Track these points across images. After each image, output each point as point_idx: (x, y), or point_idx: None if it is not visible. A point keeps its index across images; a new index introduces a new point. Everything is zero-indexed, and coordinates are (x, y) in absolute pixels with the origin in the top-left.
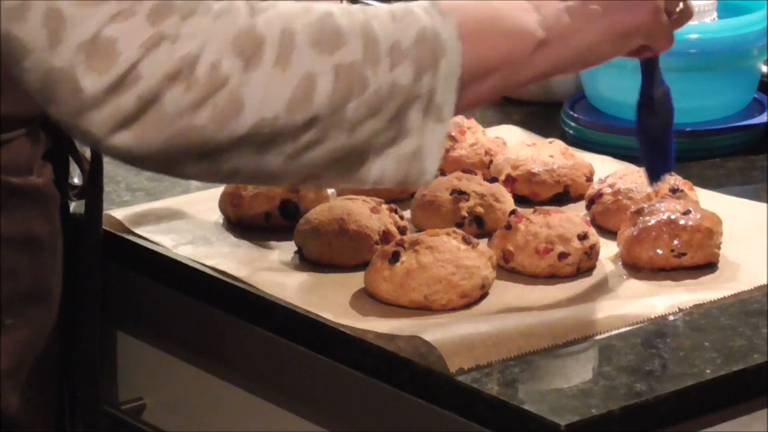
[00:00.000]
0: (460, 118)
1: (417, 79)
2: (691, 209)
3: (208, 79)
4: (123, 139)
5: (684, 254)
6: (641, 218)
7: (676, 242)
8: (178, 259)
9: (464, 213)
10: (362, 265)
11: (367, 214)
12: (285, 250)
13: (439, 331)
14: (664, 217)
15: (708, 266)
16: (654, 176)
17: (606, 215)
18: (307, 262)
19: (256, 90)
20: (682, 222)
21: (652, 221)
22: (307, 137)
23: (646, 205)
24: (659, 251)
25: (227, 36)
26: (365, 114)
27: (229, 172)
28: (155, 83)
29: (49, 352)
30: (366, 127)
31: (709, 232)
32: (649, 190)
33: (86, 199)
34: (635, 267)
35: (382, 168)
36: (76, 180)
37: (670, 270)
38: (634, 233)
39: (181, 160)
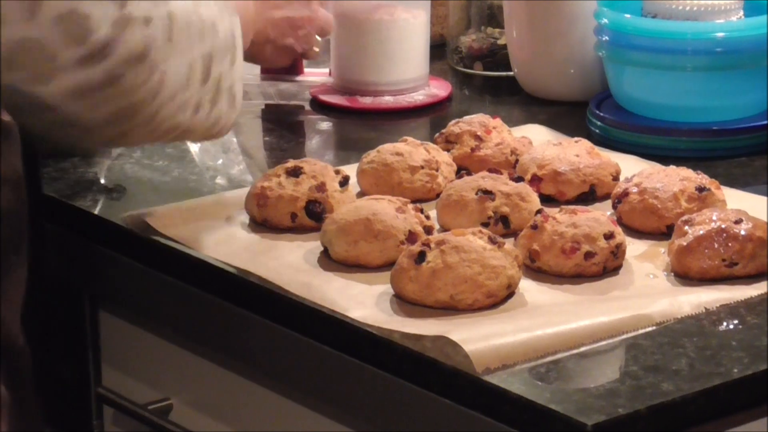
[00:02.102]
0: (486, 118)
1: (230, 67)
2: (743, 218)
3: (154, 61)
4: (76, 108)
5: (736, 264)
6: (692, 228)
7: (727, 252)
8: (204, 259)
9: (490, 213)
10: (388, 265)
11: (393, 214)
12: (311, 251)
13: (465, 331)
14: (715, 227)
15: (761, 276)
16: None
17: (632, 214)
18: (332, 262)
19: (173, 72)
20: (733, 231)
21: (703, 231)
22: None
23: (696, 214)
24: (710, 261)
25: (163, 21)
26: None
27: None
28: (122, 62)
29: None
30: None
31: (761, 242)
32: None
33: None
34: (686, 277)
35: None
36: (103, 180)
37: (722, 280)
38: (684, 243)
39: (118, 128)
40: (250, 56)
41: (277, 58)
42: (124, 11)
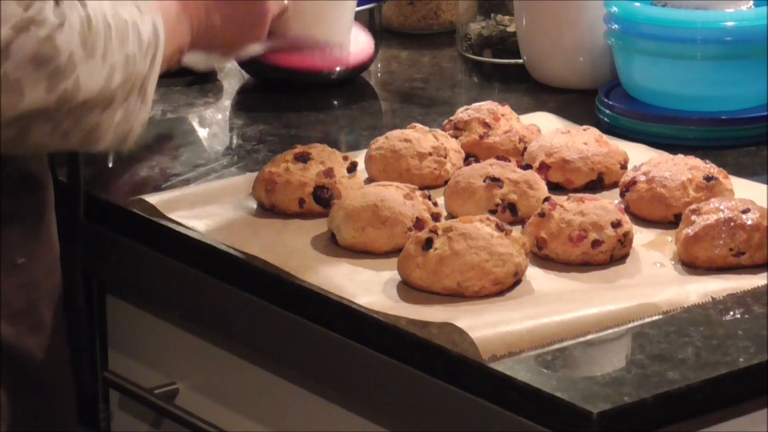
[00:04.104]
0: (494, 105)
1: (150, 67)
2: (750, 208)
3: (65, 67)
4: None
5: (743, 253)
6: (699, 217)
7: (734, 241)
8: (211, 244)
9: (498, 200)
10: (395, 252)
11: (401, 200)
12: (318, 237)
13: (471, 318)
14: (723, 216)
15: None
16: None
17: (640, 203)
18: (340, 248)
19: (88, 78)
20: (740, 221)
21: (711, 220)
22: (102, 108)
23: (703, 204)
24: (717, 250)
25: (77, 26)
26: (124, 96)
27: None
28: (20, 65)
29: (56, 289)
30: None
31: None
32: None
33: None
34: (693, 266)
35: (105, 143)
36: (111, 164)
37: (729, 269)
38: (692, 232)
39: (17, 126)
40: (205, 49)
41: (239, 38)
42: (27, 13)
